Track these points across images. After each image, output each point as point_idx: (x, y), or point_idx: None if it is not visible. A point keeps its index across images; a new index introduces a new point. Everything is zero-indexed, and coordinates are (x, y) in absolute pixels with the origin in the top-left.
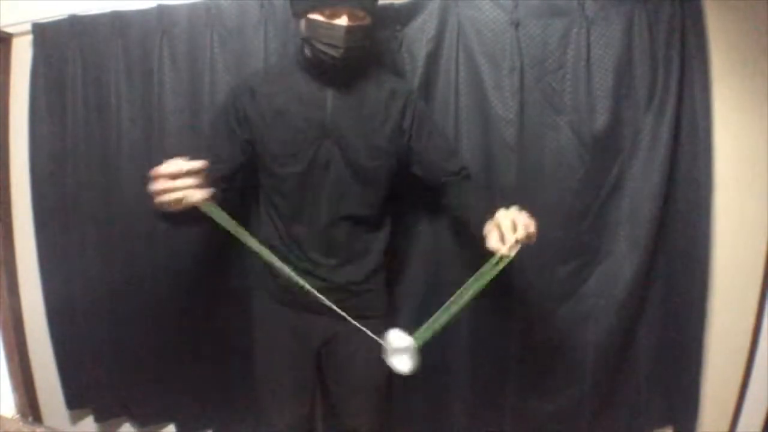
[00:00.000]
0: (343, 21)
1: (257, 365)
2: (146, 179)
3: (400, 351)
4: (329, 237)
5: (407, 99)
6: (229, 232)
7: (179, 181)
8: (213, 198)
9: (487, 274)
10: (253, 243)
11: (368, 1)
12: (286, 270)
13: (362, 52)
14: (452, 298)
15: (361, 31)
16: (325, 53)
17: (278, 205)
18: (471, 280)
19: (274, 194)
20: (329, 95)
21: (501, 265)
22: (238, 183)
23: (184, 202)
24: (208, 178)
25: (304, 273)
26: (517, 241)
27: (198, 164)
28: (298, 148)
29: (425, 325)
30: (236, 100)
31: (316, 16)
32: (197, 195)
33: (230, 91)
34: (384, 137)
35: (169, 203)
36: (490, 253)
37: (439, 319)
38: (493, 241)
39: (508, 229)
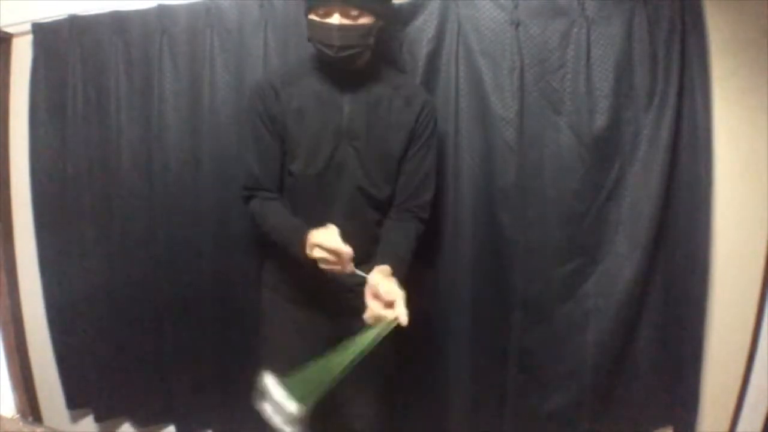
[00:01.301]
0: (335, 19)
1: (263, 363)
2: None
3: (283, 412)
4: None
5: (422, 107)
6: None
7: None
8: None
9: (377, 334)
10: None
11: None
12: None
13: (363, 51)
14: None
15: (357, 30)
16: (322, 53)
17: (290, 205)
18: (356, 343)
19: (287, 194)
20: (346, 98)
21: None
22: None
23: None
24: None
25: (313, 274)
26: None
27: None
28: (315, 149)
29: (305, 384)
30: (263, 100)
31: (312, 17)
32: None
33: (253, 92)
34: (397, 142)
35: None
36: None
37: (320, 377)
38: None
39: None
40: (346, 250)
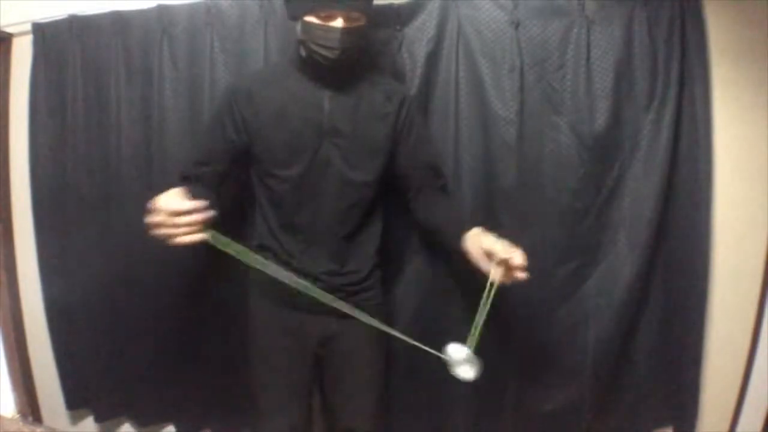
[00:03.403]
0: (338, 23)
1: (254, 366)
2: (145, 210)
3: (462, 362)
4: (328, 236)
5: (402, 101)
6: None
7: (178, 219)
8: (213, 226)
9: (487, 300)
10: (258, 262)
11: (363, 2)
12: (287, 276)
13: (358, 53)
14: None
15: (357, 32)
16: (320, 54)
17: (275, 207)
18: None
19: (272, 196)
20: (326, 96)
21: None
22: (229, 185)
23: (179, 240)
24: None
25: (302, 274)
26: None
27: (195, 204)
28: (298, 150)
29: (471, 335)
30: (233, 102)
31: (311, 19)
32: (193, 238)
33: (227, 92)
34: (380, 136)
35: (166, 239)
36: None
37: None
38: (493, 271)
39: (507, 256)
40: (187, 206)
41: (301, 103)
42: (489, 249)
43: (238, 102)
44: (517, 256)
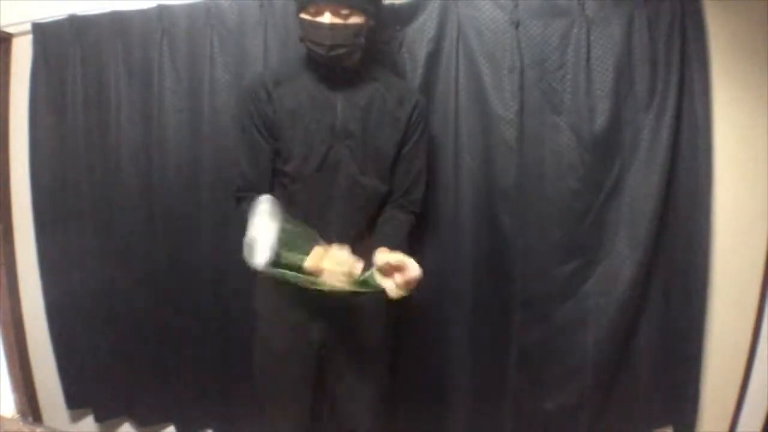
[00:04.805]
0: (326, 18)
1: (258, 364)
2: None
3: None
4: (336, 237)
5: (414, 106)
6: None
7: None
8: None
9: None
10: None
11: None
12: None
13: (353, 51)
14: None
15: (349, 30)
16: (314, 52)
17: (285, 206)
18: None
19: (282, 195)
20: (339, 98)
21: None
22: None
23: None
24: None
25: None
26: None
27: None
28: (310, 149)
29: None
30: (255, 102)
31: (304, 15)
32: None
33: (247, 95)
34: (391, 140)
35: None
36: None
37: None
38: (390, 286)
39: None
40: (358, 271)
41: (315, 104)
42: (381, 263)
43: (258, 100)
44: (410, 268)
